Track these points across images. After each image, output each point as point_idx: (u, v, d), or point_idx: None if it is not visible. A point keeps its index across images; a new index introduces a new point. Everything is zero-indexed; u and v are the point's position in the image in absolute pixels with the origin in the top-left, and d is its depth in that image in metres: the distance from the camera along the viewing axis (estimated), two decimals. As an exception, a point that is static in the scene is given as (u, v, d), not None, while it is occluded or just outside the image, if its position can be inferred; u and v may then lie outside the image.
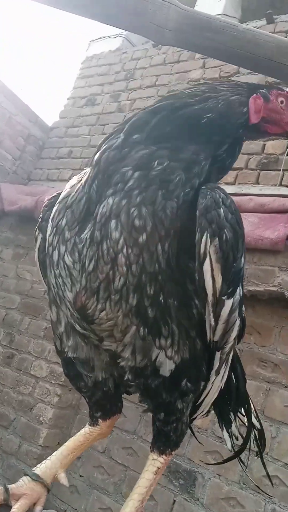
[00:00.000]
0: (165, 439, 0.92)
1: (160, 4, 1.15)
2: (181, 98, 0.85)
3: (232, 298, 0.84)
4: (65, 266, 0.82)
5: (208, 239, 0.79)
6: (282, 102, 0.89)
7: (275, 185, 3.53)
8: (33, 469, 0.93)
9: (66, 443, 0.99)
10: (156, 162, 0.77)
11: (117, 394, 0.99)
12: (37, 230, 1.03)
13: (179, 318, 0.84)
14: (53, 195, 1.01)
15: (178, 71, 4.67)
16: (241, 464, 1.33)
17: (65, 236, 0.82)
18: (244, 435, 1.19)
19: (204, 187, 0.82)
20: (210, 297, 0.81)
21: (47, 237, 0.89)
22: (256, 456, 1.30)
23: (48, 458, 0.95)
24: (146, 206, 0.75)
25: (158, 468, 0.92)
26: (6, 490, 0.83)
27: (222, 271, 0.80)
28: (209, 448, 2.72)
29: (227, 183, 3.84)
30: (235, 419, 1.19)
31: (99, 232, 0.76)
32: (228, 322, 0.85)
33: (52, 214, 0.89)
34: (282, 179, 3.50)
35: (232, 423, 1.19)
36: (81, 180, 0.87)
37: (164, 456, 0.93)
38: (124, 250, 0.75)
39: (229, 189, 3.44)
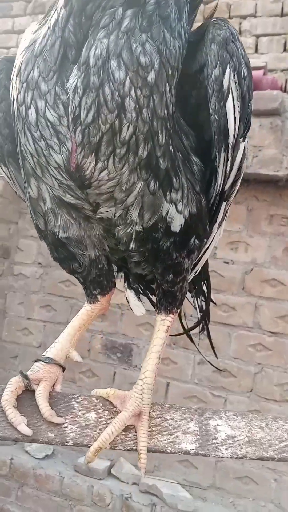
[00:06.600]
0: (172, 299, 0.93)
1: None
2: None
3: (245, 142, 0.84)
4: (48, 123, 0.73)
5: (231, 73, 0.74)
6: None
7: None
8: (44, 353, 0.93)
9: (70, 324, 0.99)
10: None
11: (110, 270, 0.99)
12: None
13: (185, 172, 0.82)
14: None
15: None
16: (190, 339, 1.34)
17: (41, 90, 0.72)
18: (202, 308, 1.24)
19: (213, 19, 0.76)
20: (231, 139, 0.79)
21: (15, 97, 0.77)
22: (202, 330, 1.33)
23: (56, 341, 0.96)
24: (151, 43, 0.68)
25: (168, 326, 0.94)
26: (25, 376, 0.84)
27: (241, 111, 0.78)
28: (139, 321, 2.95)
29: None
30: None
31: (96, 77, 0.67)
32: (240, 169, 0.86)
33: (15, 70, 0.77)
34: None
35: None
36: (45, 24, 0.74)
37: (171, 315, 0.94)
38: (132, 92, 0.67)
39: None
